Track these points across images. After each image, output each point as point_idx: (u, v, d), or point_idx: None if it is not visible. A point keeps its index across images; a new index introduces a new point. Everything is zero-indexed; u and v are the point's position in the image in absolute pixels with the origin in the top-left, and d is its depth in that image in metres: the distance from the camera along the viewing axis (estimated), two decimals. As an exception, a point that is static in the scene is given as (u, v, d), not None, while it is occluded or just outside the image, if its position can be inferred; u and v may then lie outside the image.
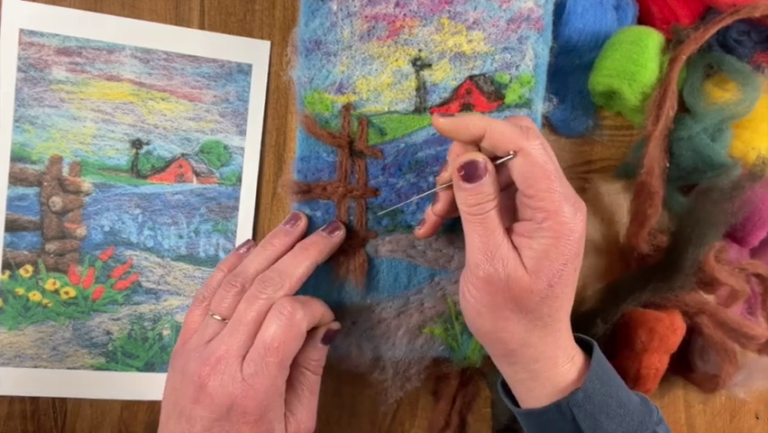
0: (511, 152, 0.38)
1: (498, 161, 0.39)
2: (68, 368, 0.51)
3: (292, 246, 0.46)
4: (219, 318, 0.43)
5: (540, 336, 0.40)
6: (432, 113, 0.48)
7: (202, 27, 0.51)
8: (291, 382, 0.43)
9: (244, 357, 0.41)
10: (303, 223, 0.48)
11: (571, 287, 0.40)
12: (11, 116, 0.49)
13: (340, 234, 0.47)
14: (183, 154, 0.51)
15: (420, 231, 0.46)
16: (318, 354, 0.45)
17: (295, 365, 0.43)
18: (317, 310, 0.44)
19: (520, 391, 0.43)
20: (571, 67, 0.52)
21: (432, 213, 0.45)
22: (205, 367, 0.40)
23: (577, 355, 0.42)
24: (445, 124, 0.40)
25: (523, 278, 0.38)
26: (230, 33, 0.51)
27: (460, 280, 0.42)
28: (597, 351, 0.42)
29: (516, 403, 0.44)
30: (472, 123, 0.39)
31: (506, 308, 0.39)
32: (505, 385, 0.45)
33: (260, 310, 0.42)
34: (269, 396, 0.40)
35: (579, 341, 0.43)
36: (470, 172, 0.39)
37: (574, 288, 0.40)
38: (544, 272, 0.38)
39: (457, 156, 0.41)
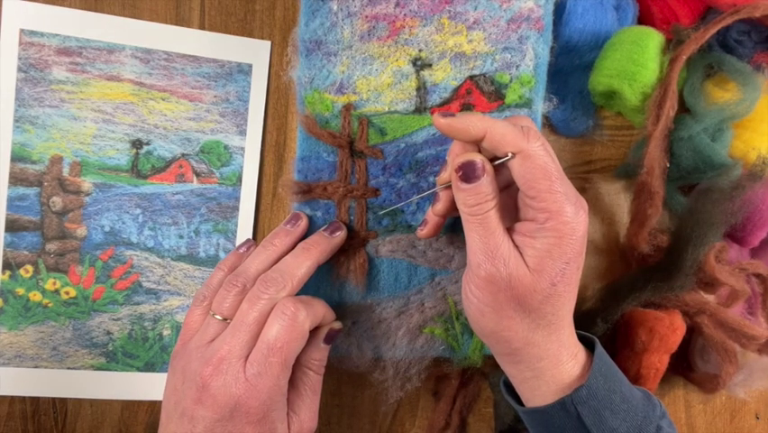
0: (509, 153, 0.38)
1: (497, 162, 0.39)
2: (69, 368, 0.51)
3: (293, 246, 0.46)
4: (220, 318, 0.43)
5: (544, 334, 0.40)
6: (432, 113, 0.48)
7: (202, 27, 0.51)
8: (293, 382, 0.44)
9: (247, 358, 0.41)
10: (304, 223, 0.48)
11: (573, 285, 0.40)
12: (11, 116, 0.49)
13: (341, 235, 0.47)
14: (183, 154, 0.51)
15: (422, 232, 0.46)
16: (320, 353, 0.45)
17: (297, 365, 0.43)
18: (319, 310, 0.44)
19: (524, 390, 0.43)
20: (571, 67, 0.52)
21: (432, 213, 0.45)
22: (207, 367, 0.40)
23: (580, 353, 0.42)
24: (445, 124, 0.40)
25: (525, 277, 0.38)
26: (230, 33, 0.51)
27: (462, 281, 0.42)
28: (599, 347, 0.42)
29: (519, 402, 0.44)
30: (473, 124, 0.39)
31: (509, 307, 0.39)
32: (508, 385, 0.45)
33: (263, 311, 0.42)
34: (272, 396, 0.40)
35: (580, 338, 0.43)
36: (468, 173, 0.39)
37: (577, 286, 0.40)
38: (547, 271, 0.38)
39: (456, 156, 0.41)
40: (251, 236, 0.52)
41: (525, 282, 0.38)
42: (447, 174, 0.43)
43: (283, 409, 0.42)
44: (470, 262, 0.40)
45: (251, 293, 0.42)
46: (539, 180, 0.38)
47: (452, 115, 0.40)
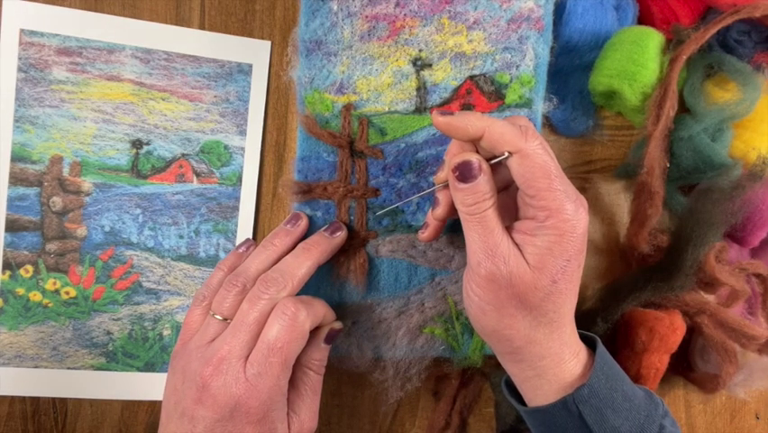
0: (506, 152, 0.38)
1: (494, 161, 0.39)
2: (69, 368, 0.51)
3: (293, 246, 0.46)
4: (220, 318, 0.43)
5: (545, 332, 0.40)
6: (431, 112, 0.48)
7: (202, 27, 0.51)
8: (294, 382, 0.44)
9: (247, 358, 0.41)
10: (304, 223, 0.48)
11: (575, 283, 0.40)
12: (11, 116, 0.49)
13: (342, 235, 0.47)
14: (183, 154, 0.51)
15: (423, 235, 0.46)
16: (321, 353, 0.45)
17: (297, 365, 0.43)
18: (320, 310, 0.44)
19: (526, 390, 0.43)
20: (571, 67, 0.52)
21: (432, 217, 0.45)
22: (207, 367, 0.40)
23: (582, 351, 0.42)
24: (444, 123, 0.40)
25: (526, 274, 0.38)
26: (230, 33, 0.51)
27: (463, 280, 0.42)
28: (600, 346, 0.42)
29: (521, 402, 0.44)
30: (471, 122, 0.39)
31: (510, 305, 0.39)
32: (509, 384, 0.45)
33: (263, 311, 0.42)
34: (273, 396, 0.41)
35: (582, 337, 0.43)
36: (464, 172, 0.39)
37: (578, 284, 0.40)
38: (548, 269, 0.38)
39: (453, 156, 0.41)
40: (251, 236, 0.52)
41: (525, 280, 0.38)
42: (444, 174, 0.43)
43: (283, 409, 0.42)
44: (470, 261, 0.40)
45: (251, 293, 0.42)
46: (538, 179, 0.38)
47: (451, 113, 0.39)
